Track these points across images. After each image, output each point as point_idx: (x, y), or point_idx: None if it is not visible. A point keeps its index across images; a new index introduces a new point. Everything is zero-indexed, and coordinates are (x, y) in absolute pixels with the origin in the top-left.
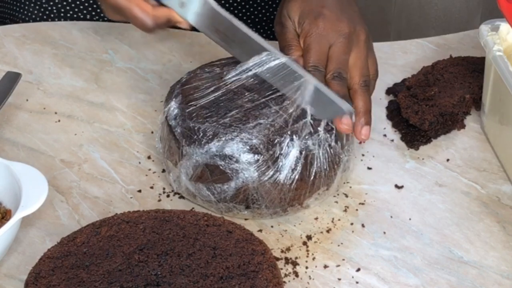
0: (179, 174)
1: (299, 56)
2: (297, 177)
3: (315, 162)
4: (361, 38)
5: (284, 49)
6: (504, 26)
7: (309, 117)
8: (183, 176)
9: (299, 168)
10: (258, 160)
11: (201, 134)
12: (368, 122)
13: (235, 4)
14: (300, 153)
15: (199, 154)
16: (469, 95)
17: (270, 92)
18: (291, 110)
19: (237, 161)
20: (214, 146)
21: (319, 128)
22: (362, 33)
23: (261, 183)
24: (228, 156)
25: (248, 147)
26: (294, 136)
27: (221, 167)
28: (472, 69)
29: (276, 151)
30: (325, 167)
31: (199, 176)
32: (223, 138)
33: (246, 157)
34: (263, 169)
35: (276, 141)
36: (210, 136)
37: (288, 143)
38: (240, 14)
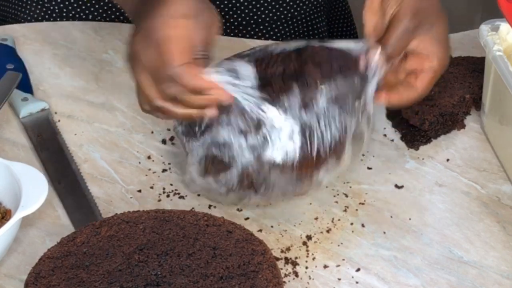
0: (190, 173)
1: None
2: (297, 154)
3: (315, 135)
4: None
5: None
6: (504, 26)
7: (296, 90)
8: (194, 174)
9: (297, 144)
10: (248, 141)
11: (197, 127)
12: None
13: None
14: (298, 128)
15: (196, 147)
16: (469, 95)
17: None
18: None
19: (229, 147)
20: (208, 137)
21: (319, 96)
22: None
23: (261, 165)
24: (221, 144)
25: (236, 131)
26: (281, 112)
27: (218, 157)
28: (472, 69)
29: (266, 131)
30: (329, 139)
31: (205, 169)
32: (214, 126)
33: (237, 141)
34: (257, 151)
35: (263, 119)
36: (204, 127)
37: (277, 120)
38: (246, 11)
